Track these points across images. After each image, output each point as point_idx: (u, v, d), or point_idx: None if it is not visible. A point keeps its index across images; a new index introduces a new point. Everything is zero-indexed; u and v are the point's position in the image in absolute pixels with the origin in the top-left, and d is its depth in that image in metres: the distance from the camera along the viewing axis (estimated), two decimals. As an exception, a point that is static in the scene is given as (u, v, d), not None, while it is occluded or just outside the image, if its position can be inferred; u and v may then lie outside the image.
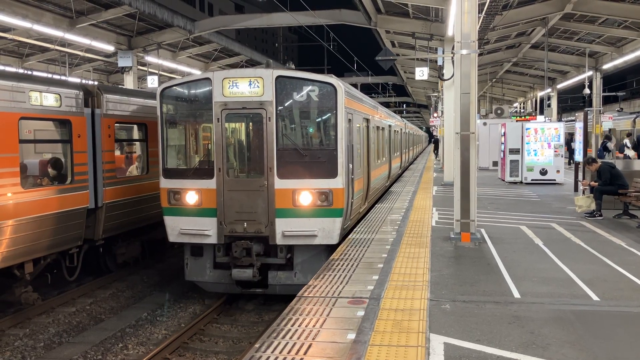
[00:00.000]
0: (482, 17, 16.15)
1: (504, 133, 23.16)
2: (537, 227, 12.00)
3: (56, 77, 24.28)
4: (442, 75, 18.54)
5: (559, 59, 33.30)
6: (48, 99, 10.11)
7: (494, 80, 43.04)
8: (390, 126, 20.84)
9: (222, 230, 10.05)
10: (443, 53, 20.89)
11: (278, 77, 9.93)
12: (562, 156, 22.10)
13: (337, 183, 9.94)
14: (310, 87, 10.00)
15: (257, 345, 5.43)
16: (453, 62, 12.80)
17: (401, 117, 39.52)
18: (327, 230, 9.94)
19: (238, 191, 10.02)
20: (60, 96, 10.34)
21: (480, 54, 22.84)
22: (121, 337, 9.44)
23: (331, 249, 9.98)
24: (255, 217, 9.96)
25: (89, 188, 10.98)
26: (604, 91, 36.25)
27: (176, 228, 10.29)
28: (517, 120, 28.14)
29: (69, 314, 10.63)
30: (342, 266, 8.49)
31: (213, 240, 10.12)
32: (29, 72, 24.95)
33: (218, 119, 10.03)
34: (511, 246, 10.17)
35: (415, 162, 41.89)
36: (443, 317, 6.27)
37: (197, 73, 25.99)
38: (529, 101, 48.29)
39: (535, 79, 41.99)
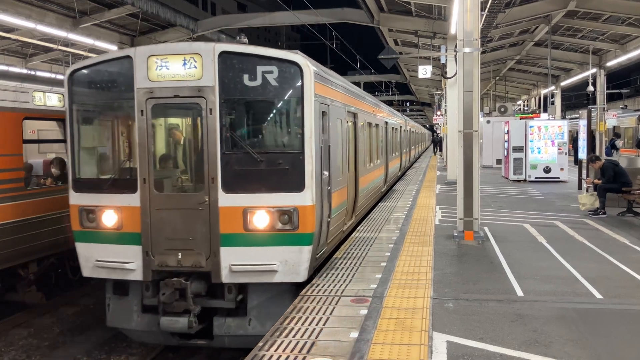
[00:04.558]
0: (484, 15, 16.14)
1: (508, 131, 23.11)
2: (541, 225, 11.98)
3: (60, 77, 24.32)
4: (445, 73, 18.56)
5: (563, 56, 33.24)
6: (51, 99, 10.15)
7: (497, 78, 42.99)
8: (387, 123, 18.41)
9: (148, 263, 7.49)
10: (446, 51, 20.86)
11: (222, 54, 7.37)
12: (565, 154, 22.07)
13: (304, 198, 7.32)
14: (266, 67, 7.34)
15: (260, 344, 5.45)
16: (456, 60, 12.79)
17: (405, 115, 39.49)
18: (291, 263, 7.35)
19: (170, 210, 7.46)
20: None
21: (483, 52, 22.84)
22: (125, 337, 9.47)
23: (300, 286, 7.55)
24: (192, 246, 7.41)
25: None
26: (607, 88, 36.21)
27: (91, 258, 7.81)
28: (520, 118, 28.05)
29: (72, 313, 10.67)
30: (345, 265, 8.49)
31: (137, 276, 7.56)
32: (32, 72, 25.04)
33: (142, 111, 7.48)
34: (514, 244, 10.16)
35: (419, 161, 41.84)
36: (446, 316, 6.27)
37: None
38: (533, 99, 48.19)
39: (538, 76, 41.92)
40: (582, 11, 23.12)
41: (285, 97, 7.61)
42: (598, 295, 7.04)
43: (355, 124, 11.68)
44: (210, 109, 7.36)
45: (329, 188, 8.53)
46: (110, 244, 7.73)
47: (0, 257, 9.10)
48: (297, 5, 25.87)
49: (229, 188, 7.35)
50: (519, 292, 7.20)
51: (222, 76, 7.37)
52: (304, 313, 6.30)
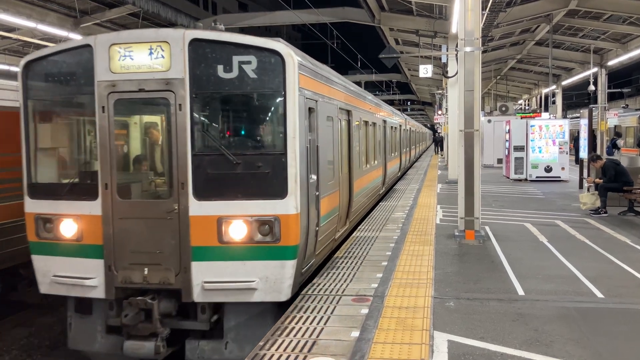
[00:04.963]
0: (485, 14, 16.14)
1: (509, 130, 23.11)
2: (542, 225, 11.97)
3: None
4: (446, 72, 18.55)
5: (564, 55, 33.23)
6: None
7: (498, 77, 42.98)
8: (385, 121, 17.62)
9: (111, 279, 6.70)
10: (447, 50, 20.86)
11: (193, 42, 6.56)
12: (566, 153, 22.07)
13: (287, 206, 6.53)
14: (243, 57, 6.51)
15: (261, 343, 5.45)
16: (457, 59, 12.79)
17: (405, 114, 39.45)
18: (272, 279, 6.57)
19: (134, 219, 6.67)
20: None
21: (484, 51, 22.84)
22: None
23: (282, 306, 6.74)
24: (160, 260, 6.61)
25: None
26: (609, 88, 36.18)
27: (48, 273, 7.00)
28: (521, 118, 28.07)
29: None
30: (346, 264, 8.49)
31: (99, 293, 6.76)
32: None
33: (103, 107, 6.68)
34: (515, 244, 10.15)
35: (420, 160, 41.84)
36: (447, 315, 6.27)
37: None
38: (534, 98, 48.19)
39: (539, 75, 41.91)
40: (583, 10, 23.12)
41: (266, 91, 6.71)
42: (599, 295, 7.04)
43: (349, 122, 10.82)
44: (180, 105, 6.55)
45: (317, 193, 7.71)
46: (70, 257, 6.90)
47: (1, 257, 9.12)
48: (298, 5, 25.88)
49: (201, 194, 6.56)
50: (520, 292, 7.20)
51: (193, 67, 6.54)
52: (304, 312, 6.30)
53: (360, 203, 12.15)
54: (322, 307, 6.47)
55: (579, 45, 31.06)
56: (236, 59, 6.51)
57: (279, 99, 6.62)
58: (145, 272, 6.61)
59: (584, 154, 18.23)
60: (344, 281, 7.54)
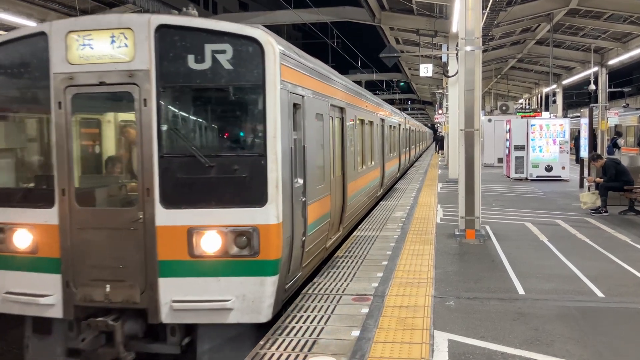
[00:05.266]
0: (486, 14, 16.14)
1: (509, 129, 23.11)
2: (542, 224, 11.97)
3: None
4: (447, 72, 18.56)
5: (564, 55, 33.22)
6: None
7: (498, 76, 42.96)
8: (383, 120, 16.96)
9: (70, 297, 5.97)
10: (447, 50, 20.86)
11: (160, 29, 5.84)
12: (567, 152, 22.07)
13: (266, 215, 5.79)
14: (217, 46, 5.77)
15: (261, 343, 5.45)
16: (457, 58, 12.79)
17: (406, 113, 39.42)
18: (250, 298, 5.83)
19: (95, 230, 5.95)
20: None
21: (484, 51, 22.82)
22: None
23: (263, 327, 6.05)
24: (123, 276, 5.89)
25: None
26: (609, 87, 36.16)
27: (1, 289, 6.26)
28: (522, 117, 28.08)
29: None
30: (346, 263, 8.49)
31: (57, 312, 6.03)
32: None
33: (60, 103, 5.97)
34: (516, 243, 10.15)
35: (420, 160, 41.84)
36: (447, 314, 6.27)
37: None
38: (534, 97, 48.18)
39: (540, 75, 41.90)
40: (583, 9, 23.10)
41: (242, 84, 5.96)
42: (600, 294, 7.04)
43: (342, 120, 10.12)
44: (145, 100, 5.80)
45: (304, 199, 6.96)
46: (24, 272, 6.17)
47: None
48: (299, 4, 25.90)
49: (169, 202, 5.82)
50: (521, 291, 7.20)
51: (161, 57, 5.80)
52: (305, 311, 6.30)
53: (356, 207, 11.53)
54: (322, 306, 6.48)
55: (580, 44, 31.05)
56: (209, 48, 5.78)
57: (257, 93, 5.87)
58: (107, 290, 5.88)
59: (584, 153, 18.24)
60: (344, 280, 7.54)
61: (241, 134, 6.28)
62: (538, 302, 6.71)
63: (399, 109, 42.76)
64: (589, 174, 15.80)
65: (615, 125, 32.85)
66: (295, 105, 6.74)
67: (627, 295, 7.00)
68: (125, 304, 5.89)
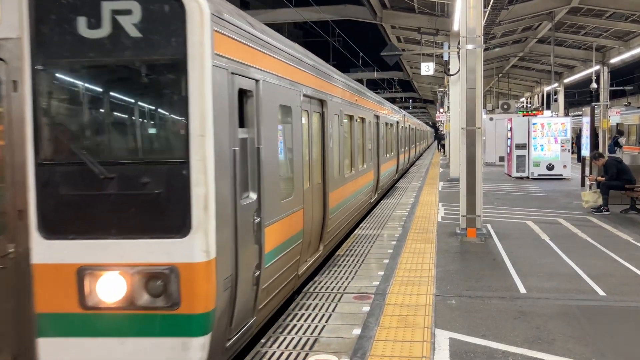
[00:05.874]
0: (487, 12, 16.12)
1: (511, 128, 23.10)
2: (544, 223, 11.96)
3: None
4: (448, 70, 18.53)
5: (566, 53, 33.19)
6: None
7: (500, 75, 42.94)
8: (378, 117, 15.35)
9: None
10: (449, 48, 20.85)
11: None
12: (568, 151, 22.06)
13: (190, 249, 4.07)
14: (119, 5, 4.02)
15: (263, 341, 5.45)
16: (459, 57, 12.77)
17: (407, 111, 39.38)
18: None
19: None
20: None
21: (486, 49, 22.80)
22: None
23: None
24: None
25: None
26: (611, 85, 36.11)
27: None
28: (523, 115, 28.07)
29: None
30: (347, 262, 8.49)
31: None
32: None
33: None
34: (517, 241, 10.14)
35: (421, 158, 41.83)
36: (448, 313, 6.27)
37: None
38: (536, 96, 48.15)
39: (541, 73, 41.89)
40: (585, 8, 23.08)
41: (155, 58, 4.11)
42: (601, 293, 7.03)
43: (323, 115, 8.51)
44: (15, 82, 4.08)
45: (257, 220, 5.24)
46: None
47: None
48: (300, 2, 25.88)
49: (51, 229, 4.09)
50: (522, 289, 7.19)
51: (38, 20, 4.05)
52: (306, 310, 6.30)
53: (341, 219, 9.91)
54: (323, 304, 6.47)
55: (581, 43, 31.03)
56: (107, 7, 4.02)
57: (177, 72, 4.07)
58: None
59: (586, 152, 18.23)
60: (346, 279, 7.54)
61: (153, 131, 4.42)
62: (539, 301, 6.71)
63: (400, 107, 42.74)
64: (590, 173, 15.79)
65: (617, 124, 32.82)
66: (243, 92, 5.06)
67: (628, 294, 6.99)
68: None
